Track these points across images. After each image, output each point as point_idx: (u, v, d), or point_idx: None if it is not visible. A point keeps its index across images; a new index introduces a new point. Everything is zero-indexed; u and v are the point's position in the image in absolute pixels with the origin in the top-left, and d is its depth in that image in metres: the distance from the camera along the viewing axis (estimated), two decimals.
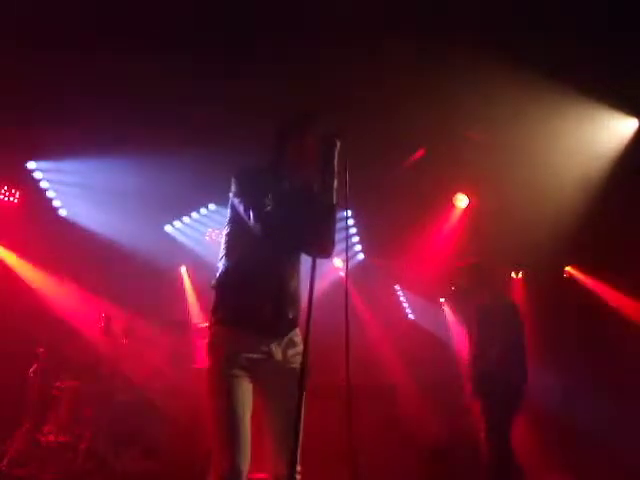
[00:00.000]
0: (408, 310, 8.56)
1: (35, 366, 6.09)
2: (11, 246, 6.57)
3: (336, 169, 2.54)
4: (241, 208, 2.59)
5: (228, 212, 2.70)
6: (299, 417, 2.49)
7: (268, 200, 2.54)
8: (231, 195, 2.65)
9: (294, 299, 2.61)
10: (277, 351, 2.57)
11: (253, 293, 2.55)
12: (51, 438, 5.71)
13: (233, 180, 2.65)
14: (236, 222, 2.64)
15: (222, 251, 2.67)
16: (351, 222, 8.12)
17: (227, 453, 2.39)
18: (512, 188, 6.12)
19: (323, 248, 2.59)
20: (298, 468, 2.54)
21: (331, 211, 2.55)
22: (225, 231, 2.70)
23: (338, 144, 2.54)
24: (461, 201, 7.32)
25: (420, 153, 6.77)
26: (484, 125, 5.59)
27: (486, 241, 6.69)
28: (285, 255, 2.63)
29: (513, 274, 5.47)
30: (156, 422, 5.70)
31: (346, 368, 2.41)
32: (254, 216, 2.53)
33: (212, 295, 2.66)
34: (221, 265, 2.65)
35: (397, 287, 8.66)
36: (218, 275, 2.64)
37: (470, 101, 5.31)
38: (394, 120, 5.78)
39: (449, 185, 7.10)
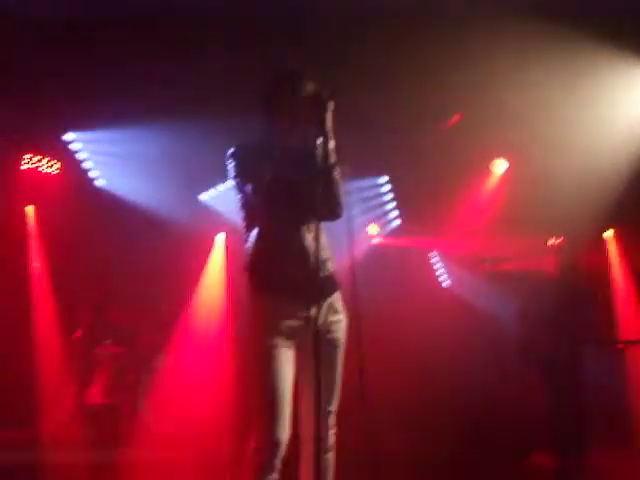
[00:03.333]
0: (444, 278, 8.51)
1: (79, 331, 6.32)
2: (56, 216, 6.72)
3: (330, 129, 2.47)
4: (241, 186, 2.57)
5: (236, 194, 2.65)
6: (334, 379, 2.50)
7: (265, 171, 2.50)
8: (231, 177, 2.61)
9: (324, 262, 2.55)
10: (317, 316, 2.49)
11: (281, 262, 2.53)
12: (95, 401, 5.95)
13: (227, 162, 2.62)
14: (244, 201, 2.62)
15: (244, 235, 2.66)
16: (387, 188, 8.06)
17: (267, 424, 2.40)
18: (551, 153, 5.95)
19: (330, 210, 2.54)
20: (334, 430, 2.57)
21: (331, 172, 2.50)
22: (241, 215, 2.67)
23: (331, 104, 2.47)
24: (499, 167, 7.17)
25: (457, 117, 6.64)
26: (522, 89, 5.43)
27: (524, 207, 6.56)
28: (301, 220, 2.57)
29: (552, 240, 5.35)
30: (194, 387, 5.88)
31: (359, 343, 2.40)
32: (254, 190, 2.51)
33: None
34: (246, 247, 2.63)
35: (434, 254, 8.59)
36: (246, 257, 2.63)
37: (507, 64, 5.15)
38: (430, 84, 5.67)
39: (486, 150, 6.95)
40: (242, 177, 2.56)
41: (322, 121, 2.46)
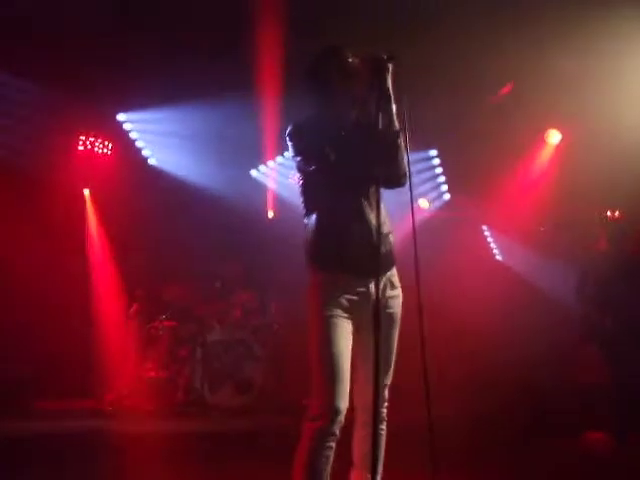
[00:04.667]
0: (496, 251, 8.38)
1: (134, 307, 6.52)
2: (112, 194, 6.90)
3: (392, 93, 2.39)
4: (304, 164, 2.52)
5: (296, 172, 2.62)
6: (390, 354, 2.50)
7: (328, 148, 2.44)
8: (291, 156, 2.58)
9: (385, 236, 2.50)
10: (377, 291, 2.40)
11: (341, 235, 2.50)
12: (152, 374, 6.15)
13: (287, 140, 2.55)
14: (306, 178, 2.58)
15: (303, 208, 2.62)
16: (437, 161, 7.95)
17: (326, 394, 2.40)
18: (607, 123, 5.73)
19: (394, 178, 2.48)
20: (386, 403, 2.58)
21: (395, 139, 2.42)
22: (300, 189, 2.63)
23: (390, 67, 2.38)
24: (553, 137, 6.97)
25: (508, 87, 6.47)
26: (576, 57, 5.23)
27: (580, 179, 6.37)
28: (363, 194, 2.52)
29: (609, 213, 5.18)
30: (248, 360, 6.00)
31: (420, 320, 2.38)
32: (319, 169, 2.48)
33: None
34: (306, 221, 2.60)
35: (485, 227, 8.46)
36: (306, 231, 2.59)
37: (561, 33, 4.96)
38: (481, 54, 5.52)
39: (540, 121, 6.75)
40: (305, 155, 2.51)
41: (382, 83, 2.37)
